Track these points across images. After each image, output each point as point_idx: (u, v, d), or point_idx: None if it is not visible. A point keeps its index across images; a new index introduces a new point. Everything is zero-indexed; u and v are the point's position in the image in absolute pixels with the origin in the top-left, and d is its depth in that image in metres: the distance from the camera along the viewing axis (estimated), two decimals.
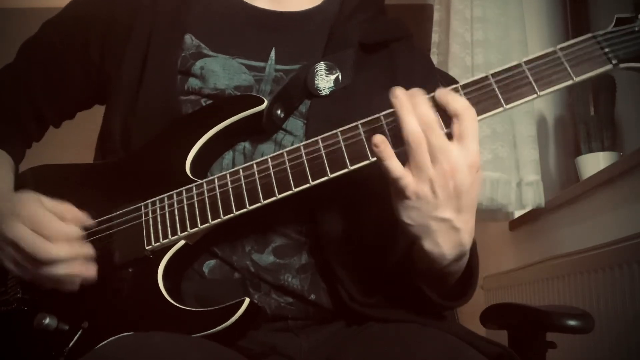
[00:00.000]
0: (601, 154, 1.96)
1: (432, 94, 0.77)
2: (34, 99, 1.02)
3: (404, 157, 0.75)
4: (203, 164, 0.89)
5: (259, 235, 0.87)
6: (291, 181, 0.80)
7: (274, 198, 0.81)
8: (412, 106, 0.75)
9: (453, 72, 2.16)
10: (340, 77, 0.93)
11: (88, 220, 0.86)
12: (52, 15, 1.05)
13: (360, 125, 0.80)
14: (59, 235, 0.81)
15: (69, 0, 1.06)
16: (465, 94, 0.78)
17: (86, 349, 0.73)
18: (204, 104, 0.91)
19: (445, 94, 0.76)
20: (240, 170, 0.83)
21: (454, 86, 0.79)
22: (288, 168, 0.81)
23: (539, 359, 1.05)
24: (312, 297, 0.87)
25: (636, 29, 0.80)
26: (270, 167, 0.81)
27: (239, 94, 0.91)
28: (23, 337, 0.86)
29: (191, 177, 0.86)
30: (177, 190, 0.85)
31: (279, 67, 0.94)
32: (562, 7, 2.42)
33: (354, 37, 0.97)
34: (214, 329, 0.79)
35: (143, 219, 0.86)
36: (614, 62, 0.79)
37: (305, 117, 0.91)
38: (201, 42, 0.95)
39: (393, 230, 0.80)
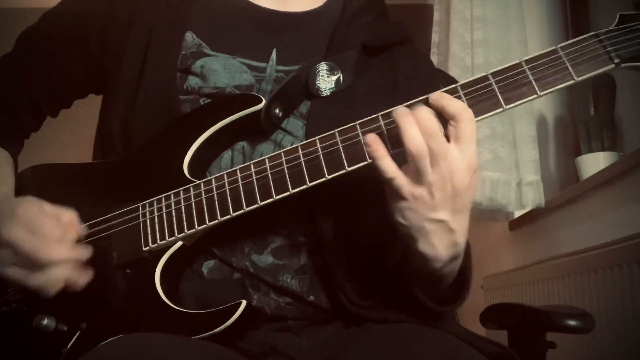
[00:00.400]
0: (601, 154, 1.96)
1: (426, 96, 0.76)
2: (33, 93, 1.01)
3: (403, 158, 0.75)
4: (201, 164, 0.88)
5: (258, 236, 0.87)
6: (288, 182, 0.80)
7: (271, 199, 0.80)
8: (413, 117, 0.74)
9: (453, 72, 2.16)
10: (341, 78, 0.93)
11: (85, 228, 0.86)
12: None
13: (358, 126, 0.79)
14: (58, 238, 0.81)
15: None
16: (464, 94, 0.78)
17: (85, 349, 0.72)
18: (202, 103, 0.91)
19: (439, 99, 0.76)
20: (238, 171, 0.82)
21: (453, 86, 0.78)
22: (285, 169, 0.80)
23: (539, 359, 1.05)
24: (311, 298, 0.87)
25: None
26: (268, 167, 0.81)
27: (239, 92, 0.91)
28: (22, 337, 0.86)
29: (189, 177, 0.85)
30: (175, 191, 0.85)
31: (279, 67, 0.94)
32: (562, 7, 2.41)
33: (356, 39, 0.96)
34: (209, 332, 0.78)
35: (141, 219, 0.85)
36: (616, 61, 0.78)
37: (305, 117, 0.91)
38: (202, 41, 0.95)
39: (392, 231, 0.80)
